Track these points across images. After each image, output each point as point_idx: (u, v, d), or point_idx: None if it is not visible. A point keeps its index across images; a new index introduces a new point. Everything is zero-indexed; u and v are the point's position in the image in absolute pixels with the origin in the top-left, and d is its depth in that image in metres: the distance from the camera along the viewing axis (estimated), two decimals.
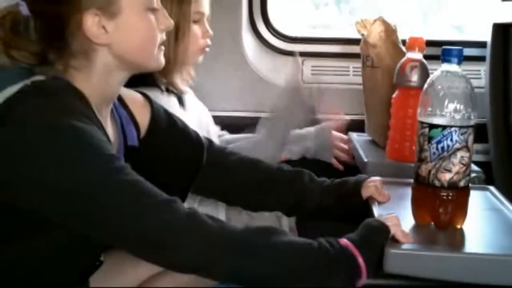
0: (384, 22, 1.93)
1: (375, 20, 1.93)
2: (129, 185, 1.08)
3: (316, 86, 1.89)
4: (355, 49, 2.26)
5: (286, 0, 2.87)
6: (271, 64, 2.46)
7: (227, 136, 2.06)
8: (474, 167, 1.74)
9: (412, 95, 1.76)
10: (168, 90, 1.72)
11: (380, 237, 1.14)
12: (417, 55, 1.77)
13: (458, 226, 1.22)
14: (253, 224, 1.61)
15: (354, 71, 2.41)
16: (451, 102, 1.18)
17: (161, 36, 1.25)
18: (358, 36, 2.00)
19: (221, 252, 1.07)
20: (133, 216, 1.07)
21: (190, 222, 1.08)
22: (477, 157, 2.33)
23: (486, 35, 2.18)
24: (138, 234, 1.07)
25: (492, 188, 1.49)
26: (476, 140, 2.31)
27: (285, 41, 2.51)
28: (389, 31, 1.92)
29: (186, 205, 1.62)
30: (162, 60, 1.26)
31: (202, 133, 1.81)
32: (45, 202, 1.08)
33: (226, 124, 2.13)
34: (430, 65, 2.44)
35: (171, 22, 1.26)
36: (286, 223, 1.76)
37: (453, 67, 1.21)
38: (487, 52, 2.18)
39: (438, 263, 1.10)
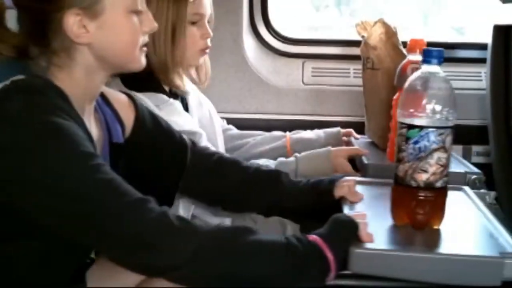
0: (385, 24, 1.93)
1: (375, 22, 1.94)
2: (104, 183, 1.08)
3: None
4: (355, 51, 2.25)
5: (287, 2, 2.87)
6: (271, 66, 2.46)
7: (234, 131, 2.06)
8: (474, 168, 1.74)
9: None
10: (172, 94, 1.72)
11: (349, 232, 1.14)
12: (418, 57, 1.77)
13: (435, 227, 1.22)
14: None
15: (354, 73, 2.41)
16: (429, 103, 1.18)
17: (144, 38, 1.25)
18: (358, 38, 2.00)
19: (194, 253, 1.07)
20: (106, 215, 1.07)
21: (163, 222, 1.08)
22: (478, 159, 2.34)
23: (486, 37, 2.19)
24: (111, 233, 1.07)
25: (466, 188, 1.48)
26: (477, 142, 2.35)
27: (285, 43, 2.51)
28: (390, 33, 1.92)
29: (182, 211, 1.64)
30: (143, 61, 1.26)
31: (207, 130, 1.82)
32: (27, 200, 1.09)
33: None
34: None
35: (154, 25, 1.26)
36: (290, 229, 1.76)
37: (433, 68, 1.21)
38: (487, 54, 2.18)
39: (403, 263, 1.10)
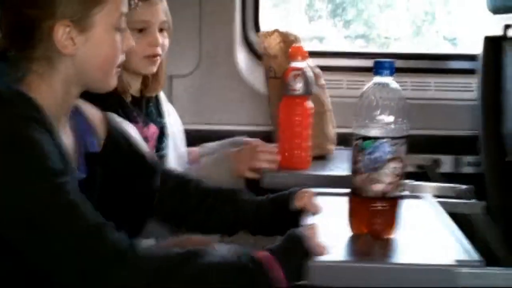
0: (282, 34, 1.95)
1: (272, 32, 1.96)
2: (64, 204, 1.09)
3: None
4: (348, 62, 2.28)
5: (280, 14, 2.89)
6: (264, 77, 2.47)
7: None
8: None
9: (297, 103, 1.79)
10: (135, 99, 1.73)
11: (301, 247, 1.14)
12: (300, 64, 1.79)
13: (393, 236, 1.23)
14: None
15: (347, 84, 2.43)
16: (383, 114, 1.19)
17: (122, 57, 1.27)
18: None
19: (147, 284, 1.08)
20: (59, 241, 1.07)
21: (116, 253, 1.08)
22: (469, 169, 2.35)
23: (477, 48, 2.20)
24: (64, 257, 1.08)
25: (428, 196, 1.49)
26: (467, 152, 2.36)
27: None
28: (288, 41, 1.95)
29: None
30: (115, 81, 1.28)
31: (175, 140, 1.83)
32: None
33: (220, 136, 2.14)
34: (423, 78, 2.47)
35: (132, 43, 1.28)
36: None
37: (385, 79, 1.22)
38: (478, 65, 2.20)
39: (360, 274, 1.11)
